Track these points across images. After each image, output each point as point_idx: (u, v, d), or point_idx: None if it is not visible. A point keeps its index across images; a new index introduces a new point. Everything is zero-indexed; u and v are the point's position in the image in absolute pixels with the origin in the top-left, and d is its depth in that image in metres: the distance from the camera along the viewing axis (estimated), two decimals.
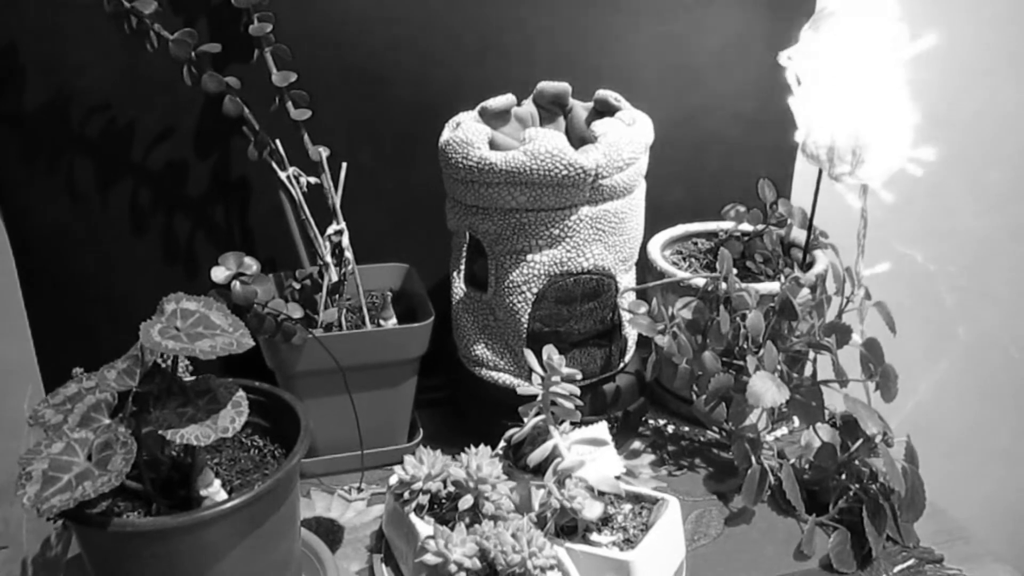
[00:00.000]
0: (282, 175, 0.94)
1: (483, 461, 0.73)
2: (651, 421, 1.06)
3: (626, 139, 0.86)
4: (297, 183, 0.94)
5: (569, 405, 0.81)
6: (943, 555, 0.86)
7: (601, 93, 0.96)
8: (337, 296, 0.94)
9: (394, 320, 0.95)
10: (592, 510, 0.75)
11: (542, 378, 0.81)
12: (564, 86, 0.98)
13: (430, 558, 0.67)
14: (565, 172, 0.82)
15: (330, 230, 0.92)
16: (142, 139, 0.98)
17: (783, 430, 1.04)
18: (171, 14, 0.93)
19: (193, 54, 0.88)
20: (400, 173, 1.05)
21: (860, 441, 0.91)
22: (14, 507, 1.00)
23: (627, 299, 0.92)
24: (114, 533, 0.60)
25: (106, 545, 0.63)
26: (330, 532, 0.88)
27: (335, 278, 0.93)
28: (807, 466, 0.95)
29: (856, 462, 0.92)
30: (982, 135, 1.35)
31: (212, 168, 1.01)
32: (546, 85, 0.98)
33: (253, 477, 0.74)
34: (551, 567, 0.67)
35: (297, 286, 0.96)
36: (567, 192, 0.84)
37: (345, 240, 0.92)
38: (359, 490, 0.94)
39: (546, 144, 0.82)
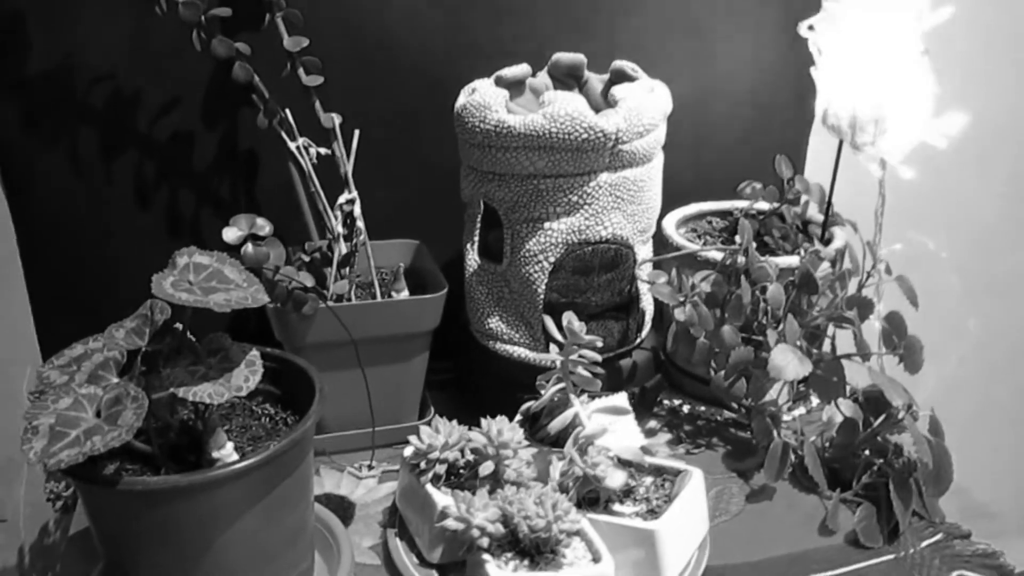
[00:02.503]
0: (292, 145, 0.92)
1: (504, 426, 0.71)
2: (666, 401, 1.03)
3: (646, 104, 0.85)
4: (307, 154, 0.92)
5: (587, 374, 0.79)
6: (970, 530, 0.84)
7: (618, 63, 0.94)
8: (348, 268, 0.91)
9: (406, 293, 0.92)
10: (615, 479, 0.73)
11: (561, 346, 0.79)
12: (580, 57, 0.96)
13: (452, 523, 0.64)
14: (585, 136, 0.80)
15: (342, 199, 0.90)
16: (148, 109, 0.96)
17: (801, 409, 1.02)
18: None
19: (203, 18, 0.86)
20: (411, 145, 1.03)
21: (883, 416, 0.89)
22: (13, 487, 0.97)
23: (645, 270, 0.90)
24: (124, 492, 0.58)
25: (115, 506, 0.60)
26: (341, 508, 0.85)
27: (346, 249, 0.91)
28: (827, 444, 0.93)
29: (879, 438, 0.90)
30: (995, 119, 1.33)
31: (219, 139, 0.99)
32: (561, 56, 0.96)
33: (265, 444, 0.71)
34: (575, 532, 0.65)
35: (307, 259, 0.93)
36: (586, 157, 0.82)
37: (357, 209, 0.90)
38: (370, 467, 0.91)
39: (566, 107, 0.80)
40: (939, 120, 0.92)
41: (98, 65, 0.93)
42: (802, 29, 0.93)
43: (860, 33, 0.88)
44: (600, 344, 0.77)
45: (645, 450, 0.92)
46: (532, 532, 0.64)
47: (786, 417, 1.00)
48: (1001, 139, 1.35)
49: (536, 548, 0.67)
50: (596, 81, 0.97)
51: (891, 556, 0.81)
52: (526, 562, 0.67)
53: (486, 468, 0.69)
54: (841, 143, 0.96)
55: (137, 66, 0.94)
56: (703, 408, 1.02)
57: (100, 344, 0.67)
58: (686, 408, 1.03)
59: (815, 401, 1.03)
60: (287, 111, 0.91)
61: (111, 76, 0.93)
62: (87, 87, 0.93)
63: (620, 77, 0.94)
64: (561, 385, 0.77)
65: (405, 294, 0.92)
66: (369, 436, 0.91)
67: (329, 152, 0.93)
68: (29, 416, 0.57)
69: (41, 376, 0.66)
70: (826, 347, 0.99)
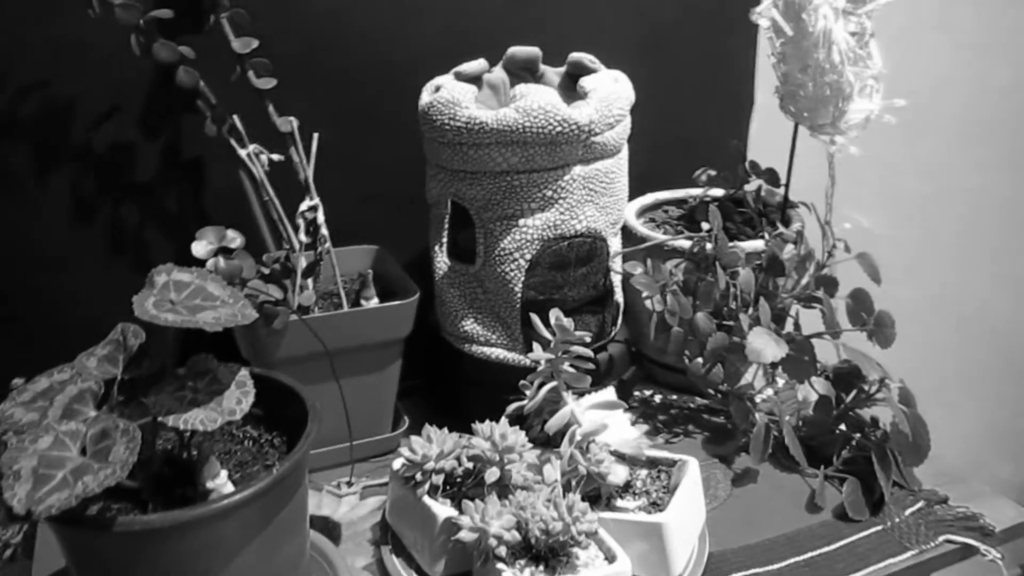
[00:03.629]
0: (242, 153, 0.88)
1: (506, 430, 0.69)
2: (636, 392, 1.03)
3: (615, 95, 0.84)
4: (258, 160, 0.88)
5: (572, 370, 0.77)
6: (947, 495, 0.86)
7: (575, 56, 0.93)
8: (312, 278, 0.87)
9: (376, 300, 0.89)
10: (618, 475, 0.72)
11: (546, 344, 0.77)
12: (535, 51, 0.95)
13: (466, 534, 0.62)
14: (559, 129, 0.79)
15: (303, 206, 0.86)
16: (83, 118, 0.89)
17: (769, 391, 1.03)
18: None
19: (141, 21, 0.81)
20: (364, 146, 1.00)
21: (855, 391, 0.91)
22: None
23: (618, 262, 0.89)
24: (121, 534, 0.53)
25: (109, 549, 0.56)
26: (326, 529, 0.81)
27: (307, 260, 0.87)
28: (800, 422, 0.94)
29: (852, 413, 0.92)
30: (920, 97, 1.39)
31: (162, 148, 0.93)
32: (517, 50, 0.95)
33: (254, 469, 0.67)
34: (593, 532, 0.63)
35: (266, 271, 0.89)
36: (560, 150, 0.81)
37: (320, 217, 0.86)
38: (349, 484, 0.87)
39: (538, 100, 0.78)
40: (884, 99, 0.94)
41: (24, 74, 0.86)
42: (753, 16, 0.94)
43: (813, 18, 0.90)
44: (588, 340, 0.75)
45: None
46: (550, 536, 0.62)
47: (758, 399, 1.01)
48: (925, 115, 1.41)
49: (550, 552, 0.65)
50: (552, 74, 0.96)
51: (879, 527, 0.82)
52: (541, 567, 0.65)
53: (492, 475, 0.67)
54: (796, 127, 0.98)
55: (69, 73, 0.87)
56: (675, 396, 1.02)
57: (68, 375, 0.62)
58: (658, 398, 1.03)
59: (780, 382, 1.05)
60: (235, 117, 0.86)
61: (42, 84, 0.87)
62: (14, 98, 0.86)
63: (579, 69, 0.93)
64: (553, 384, 0.75)
65: (375, 301, 0.89)
66: (344, 452, 0.87)
67: (283, 158, 0.88)
68: (7, 461, 0.52)
69: (3, 415, 0.60)
70: (789, 327, 1.01)
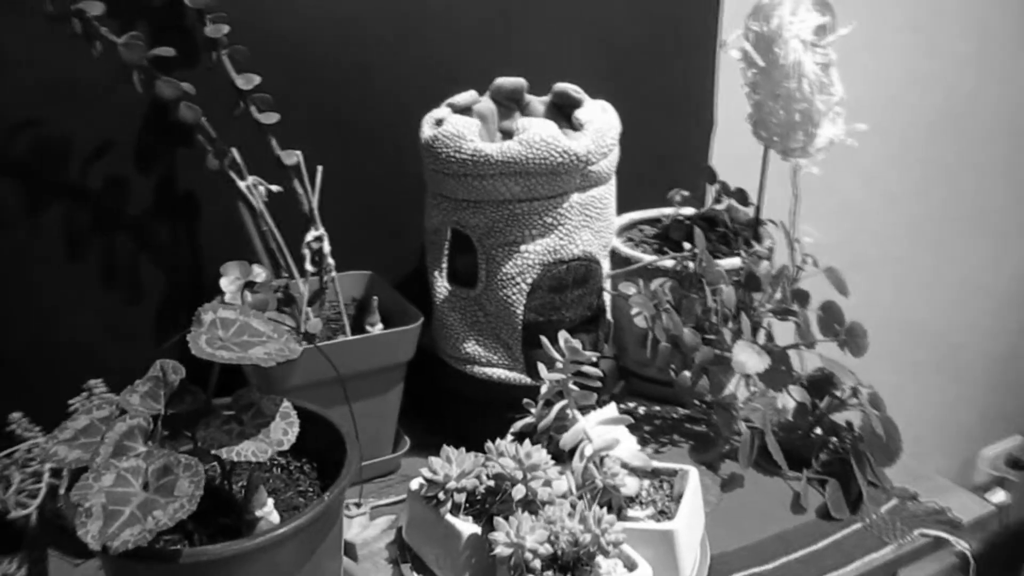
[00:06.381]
0: (241, 185, 0.89)
1: (530, 449, 0.73)
2: (621, 405, 1.08)
3: (607, 125, 0.89)
4: (256, 192, 0.90)
5: (578, 388, 0.82)
6: (916, 491, 0.94)
7: (561, 86, 0.98)
8: (318, 305, 0.90)
9: (380, 326, 0.92)
10: (631, 486, 0.77)
11: (551, 364, 0.81)
12: (520, 81, 0.99)
13: (503, 550, 0.65)
14: (560, 159, 0.83)
15: (309, 236, 0.88)
16: (78, 155, 0.90)
17: (744, 395, 1.09)
18: (107, 17, 0.86)
19: (145, 60, 0.82)
20: (357, 178, 1.02)
21: (828, 398, 0.98)
22: None
23: (610, 283, 0.94)
24: (188, 565, 0.55)
25: None
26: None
27: (311, 288, 0.89)
28: (776, 428, 1.01)
29: (827, 418, 0.98)
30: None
31: (155, 183, 0.94)
32: (503, 81, 0.99)
33: (288, 495, 0.69)
34: (620, 542, 0.68)
35: None
36: (560, 179, 0.85)
37: (326, 246, 0.88)
38: (358, 505, 0.89)
39: (540, 132, 0.83)
40: (845, 123, 1.02)
41: (18, 111, 0.86)
42: (724, 48, 1.01)
43: (784, 51, 0.96)
44: (595, 359, 0.80)
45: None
46: (579, 548, 0.66)
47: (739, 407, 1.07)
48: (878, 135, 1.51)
49: (576, 562, 0.69)
50: (538, 104, 1.00)
51: (859, 525, 0.89)
52: None
53: (519, 491, 0.71)
54: (767, 150, 1.04)
55: (64, 109, 0.88)
56: (658, 408, 1.08)
57: (106, 412, 0.64)
58: (642, 409, 1.08)
59: (754, 389, 1.11)
60: (233, 150, 0.88)
61: (36, 122, 0.87)
62: (9, 133, 0.86)
63: (565, 99, 0.97)
64: (564, 402, 0.79)
65: (380, 327, 0.91)
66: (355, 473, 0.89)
67: (281, 189, 0.90)
68: (78, 497, 0.53)
69: (48, 454, 0.61)
70: (761, 339, 1.07)
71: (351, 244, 1.02)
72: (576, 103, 0.96)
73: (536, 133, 0.82)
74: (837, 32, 0.97)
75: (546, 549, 0.66)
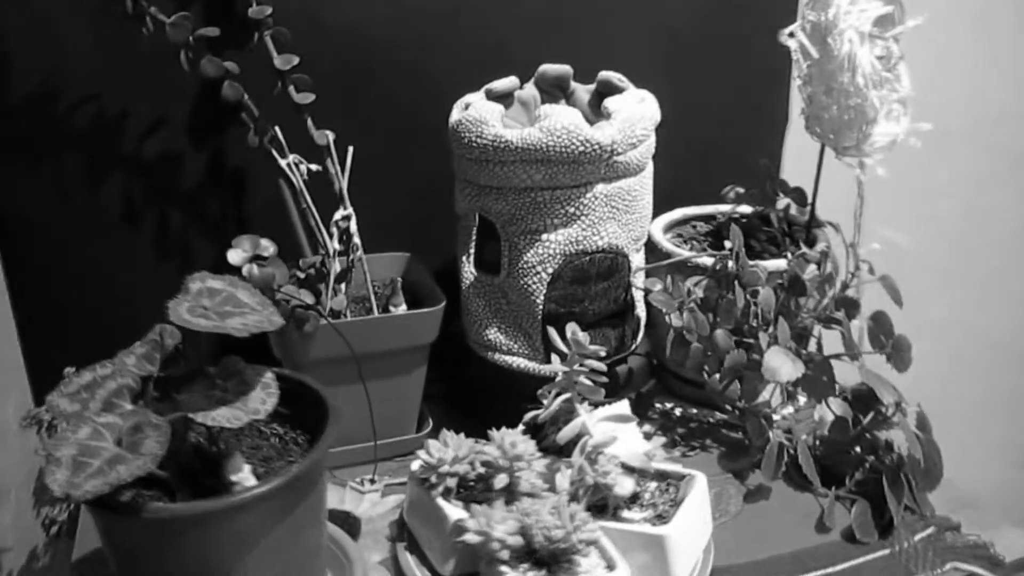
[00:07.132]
0: (282, 162, 0.92)
1: (517, 439, 0.72)
2: (658, 405, 1.05)
3: (638, 115, 0.86)
4: (298, 170, 0.92)
5: (590, 383, 0.80)
6: (959, 522, 0.87)
7: (605, 74, 0.96)
8: (344, 284, 0.92)
9: (404, 307, 0.93)
10: (624, 487, 0.75)
11: (563, 356, 0.80)
12: (566, 68, 0.98)
13: (471, 537, 0.65)
14: (581, 148, 0.82)
15: (337, 215, 0.90)
16: (133, 129, 0.95)
17: (790, 408, 1.04)
18: None
19: (191, 38, 0.86)
20: (399, 158, 1.04)
21: (872, 414, 0.92)
22: (2, 513, 0.95)
23: (640, 278, 0.92)
24: (149, 520, 0.57)
25: (137, 534, 0.60)
26: (346, 524, 0.85)
27: (341, 266, 0.91)
28: (817, 442, 0.96)
29: (868, 435, 0.93)
30: (954, 118, 1.38)
31: (206, 158, 0.98)
32: (548, 68, 0.98)
33: (278, 464, 0.71)
34: (593, 541, 0.66)
35: (302, 275, 0.93)
36: (583, 169, 0.83)
37: (353, 226, 0.90)
38: (372, 481, 0.91)
39: (562, 120, 0.81)
40: (911, 122, 0.95)
41: (80, 86, 0.92)
42: (782, 37, 0.96)
43: (838, 42, 0.91)
44: (603, 354, 0.78)
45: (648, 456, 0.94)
46: (551, 543, 0.65)
47: (775, 416, 1.02)
48: (956, 137, 1.40)
49: (552, 558, 0.68)
50: (583, 92, 0.98)
51: (886, 551, 0.83)
52: (543, 572, 0.68)
53: (501, 481, 0.70)
54: (823, 147, 0.99)
55: (121, 86, 0.93)
56: (695, 411, 1.04)
57: (109, 371, 0.67)
58: (678, 411, 1.05)
59: (802, 400, 1.06)
60: (276, 128, 0.91)
61: (95, 97, 0.92)
62: (70, 109, 0.92)
63: (608, 88, 0.95)
64: (566, 395, 0.78)
65: (403, 308, 0.93)
66: (369, 450, 0.91)
67: (320, 168, 0.93)
68: (51, 446, 0.56)
69: (51, 405, 0.65)
70: (812, 347, 1.02)
71: (390, 226, 1.04)
72: (618, 91, 0.94)
73: (557, 121, 0.81)
74: (904, 24, 0.91)
75: (516, 540, 0.65)
